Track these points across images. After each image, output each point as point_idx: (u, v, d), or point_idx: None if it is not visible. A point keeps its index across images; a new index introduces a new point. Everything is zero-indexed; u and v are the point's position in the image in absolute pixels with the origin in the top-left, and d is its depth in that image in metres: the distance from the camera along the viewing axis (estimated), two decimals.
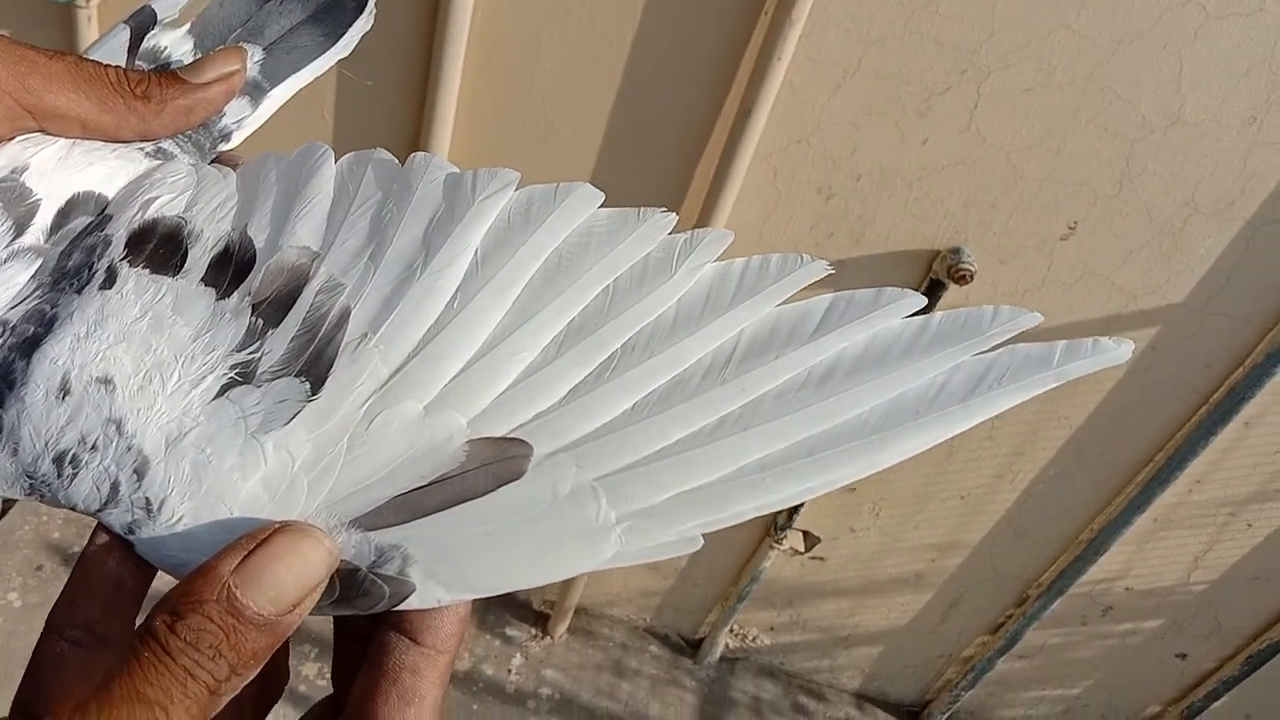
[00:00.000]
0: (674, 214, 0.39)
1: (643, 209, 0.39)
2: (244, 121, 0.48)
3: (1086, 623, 1.99)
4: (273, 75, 0.48)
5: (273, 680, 0.39)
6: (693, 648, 2.23)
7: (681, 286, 0.38)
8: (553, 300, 0.37)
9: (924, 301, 0.38)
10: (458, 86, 1.37)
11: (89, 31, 1.44)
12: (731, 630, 2.17)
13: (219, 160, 0.46)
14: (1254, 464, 1.64)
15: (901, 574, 1.97)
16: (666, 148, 1.41)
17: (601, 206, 0.39)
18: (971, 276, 1.38)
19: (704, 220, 1.42)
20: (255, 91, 0.47)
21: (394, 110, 1.45)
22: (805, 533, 1.91)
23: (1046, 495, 1.75)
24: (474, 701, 2.01)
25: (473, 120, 1.43)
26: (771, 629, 2.16)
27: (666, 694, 2.15)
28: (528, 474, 0.35)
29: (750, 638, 2.19)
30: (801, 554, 1.94)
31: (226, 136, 0.47)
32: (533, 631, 2.16)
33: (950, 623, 2.05)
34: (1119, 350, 0.36)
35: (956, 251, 1.40)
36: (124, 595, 0.36)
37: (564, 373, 0.36)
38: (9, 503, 0.38)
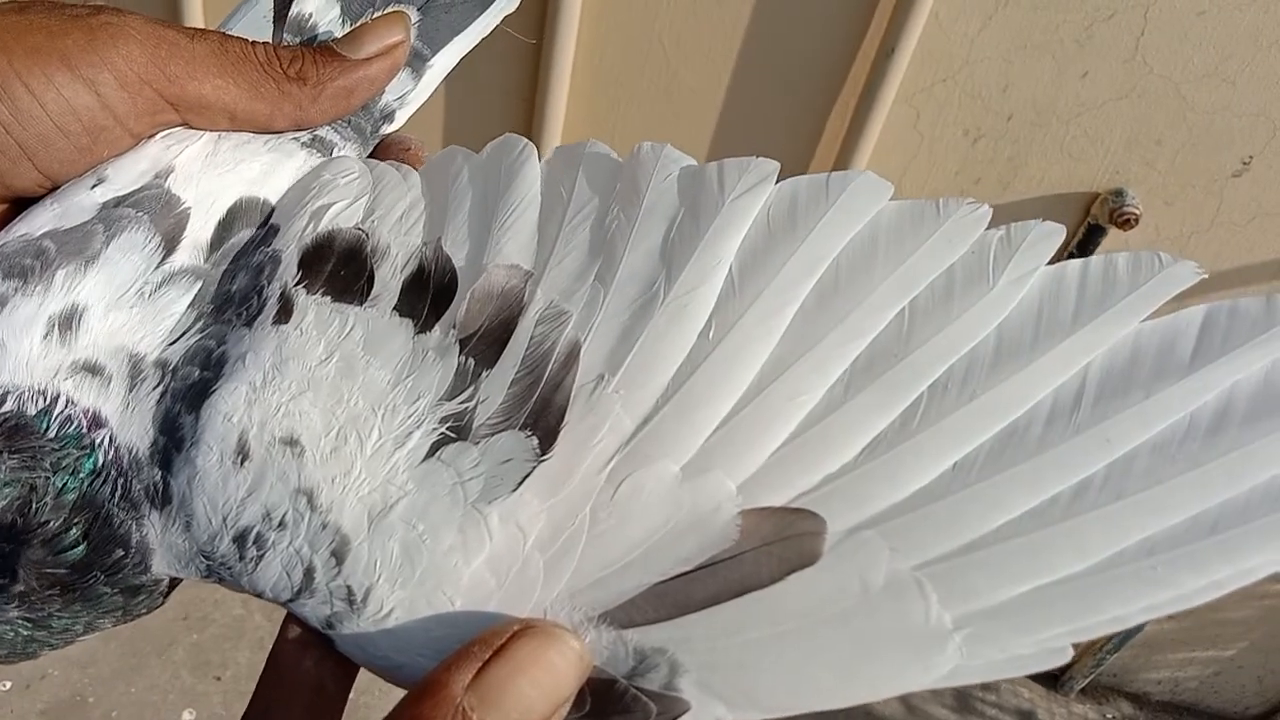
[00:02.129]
0: (986, 206, 0.30)
1: (944, 200, 0.30)
2: (407, 98, 0.41)
3: None
4: (433, 40, 0.41)
5: None
6: None
7: (1005, 302, 0.29)
8: (834, 327, 0.29)
9: None
10: (575, 36, 1.31)
11: (192, 3, 1.39)
12: None
13: (384, 146, 0.40)
14: None
15: None
16: (799, 95, 1.33)
17: (893, 199, 0.31)
18: (1136, 220, 1.28)
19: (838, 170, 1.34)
20: (416, 61, 0.40)
21: (507, 63, 1.38)
22: None
23: None
24: None
25: (590, 72, 1.36)
26: None
27: None
28: (824, 557, 0.27)
29: None
30: None
31: (389, 117, 0.41)
32: None
33: None
34: None
35: (1119, 194, 1.30)
36: (325, 702, 0.30)
37: (857, 421, 0.28)
38: (175, 582, 0.31)
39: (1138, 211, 1.28)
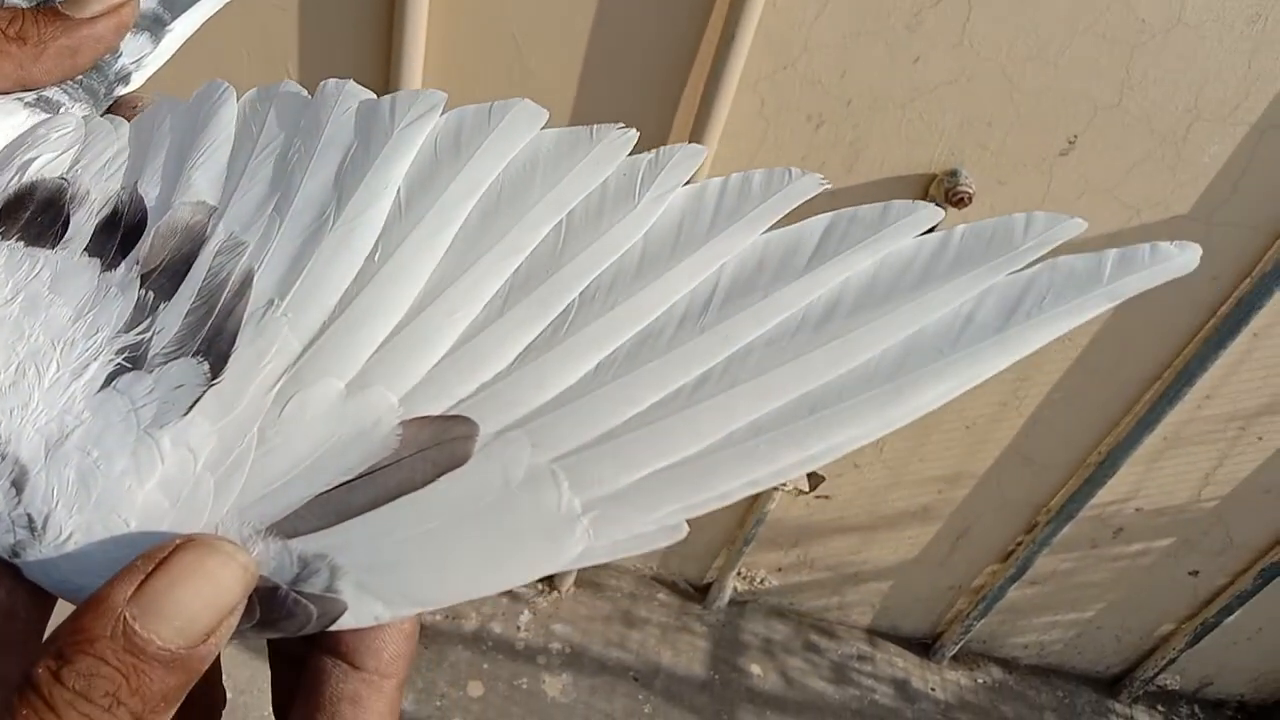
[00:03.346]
0: (634, 130, 0.32)
1: (597, 126, 0.32)
2: (144, 61, 0.41)
3: (1097, 545, 1.97)
4: (173, 4, 0.41)
5: (205, 710, 0.34)
6: (701, 593, 2.21)
7: (648, 217, 0.31)
8: (493, 245, 0.31)
9: (941, 215, 0.31)
10: (424, 31, 1.31)
11: None
12: (739, 573, 2.15)
13: (117, 107, 0.40)
14: (1264, 376, 1.61)
15: (908, 507, 1.94)
16: (647, 82, 1.36)
17: (547, 127, 0.33)
18: (970, 199, 1.34)
19: None
20: (155, 25, 0.41)
21: (361, 54, 1.38)
22: (809, 471, 1.88)
23: (1053, 420, 1.72)
24: (484, 660, 1.99)
25: (443, 67, 1.37)
26: (779, 570, 2.14)
27: (677, 640, 2.13)
28: (474, 458, 0.29)
29: (758, 580, 2.17)
30: (806, 493, 1.91)
31: (125, 79, 0.41)
32: (539, 587, 2.14)
33: (959, 553, 2.03)
34: (1184, 256, 0.29)
35: (953, 174, 1.35)
36: (17, 629, 0.30)
37: (511, 333, 0.30)
38: None
39: (971, 190, 1.34)
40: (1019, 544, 1.97)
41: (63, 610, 0.30)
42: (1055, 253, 0.30)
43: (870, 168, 1.40)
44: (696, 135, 1.35)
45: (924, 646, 2.26)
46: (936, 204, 1.32)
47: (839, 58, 1.30)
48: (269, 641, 0.34)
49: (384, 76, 1.36)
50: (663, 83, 1.35)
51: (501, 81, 1.38)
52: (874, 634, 2.27)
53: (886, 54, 1.28)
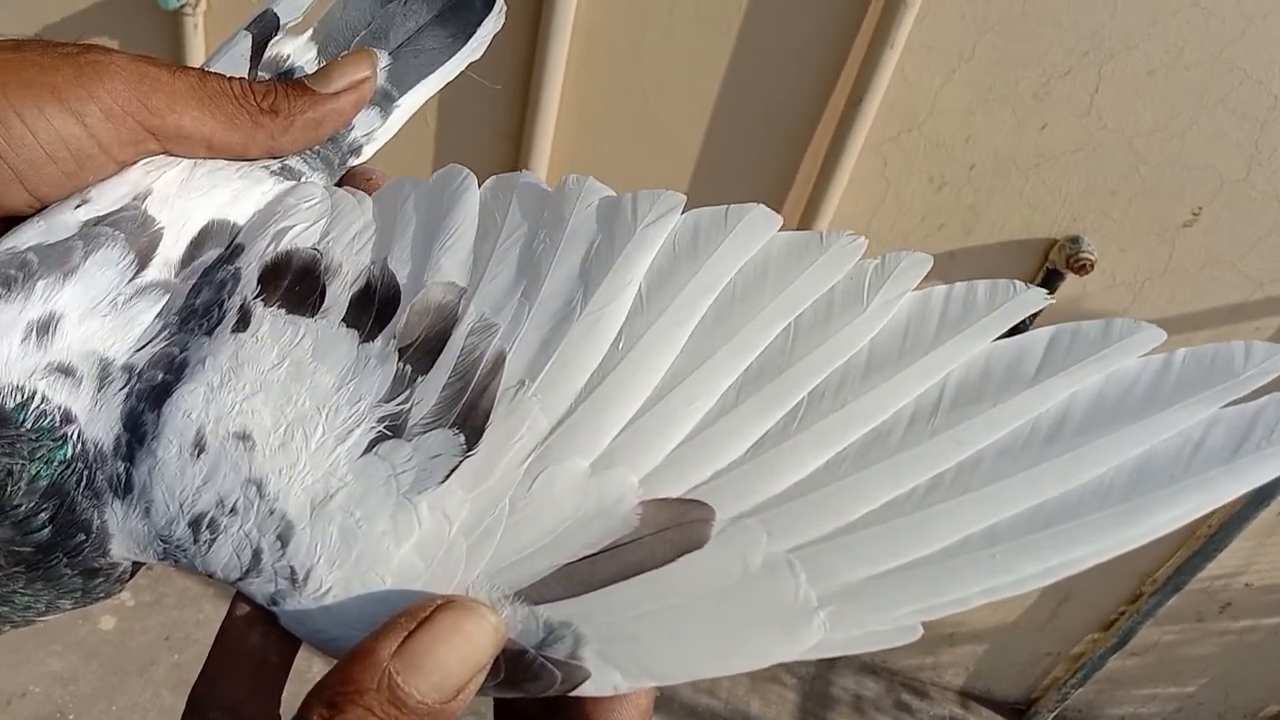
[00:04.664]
0: (863, 238, 0.34)
1: (827, 232, 0.34)
2: (374, 134, 0.45)
3: (1203, 619, 1.93)
4: (401, 82, 0.45)
5: None
6: None
7: (875, 322, 0.33)
8: (728, 341, 0.33)
9: (1164, 337, 0.32)
10: (561, 79, 1.36)
11: (195, 40, 1.45)
12: None
13: (350, 177, 0.44)
14: None
15: None
16: (772, 140, 1.39)
17: (781, 230, 0.35)
18: (1092, 266, 1.34)
19: (810, 214, 1.40)
20: (384, 101, 0.44)
21: (497, 106, 1.44)
22: None
23: None
24: None
25: (576, 114, 1.42)
26: None
27: (767, 691, 2.13)
28: (711, 541, 0.31)
29: None
30: None
31: (356, 151, 0.44)
32: None
33: (1060, 619, 2.00)
34: None
35: (1075, 240, 1.36)
36: (269, 672, 0.33)
37: (745, 424, 0.32)
38: (138, 565, 0.35)
39: (1093, 257, 1.34)
40: (1122, 613, 1.93)
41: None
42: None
43: (990, 230, 1.41)
44: (819, 192, 1.38)
45: (1018, 712, 2.22)
46: (1058, 269, 1.33)
47: (965, 123, 1.32)
48: (496, 702, 0.37)
49: (519, 122, 1.41)
50: (787, 141, 1.38)
51: (629, 133, 1.43)
52: (967, 696, 2.24)
53: (1013, 120, 1.30)
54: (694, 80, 1.36)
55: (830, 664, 2.20)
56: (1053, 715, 2.17)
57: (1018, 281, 0.33)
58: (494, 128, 1.46)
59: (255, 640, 0.33)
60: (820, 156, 1.37)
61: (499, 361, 0.33)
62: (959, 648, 2.12)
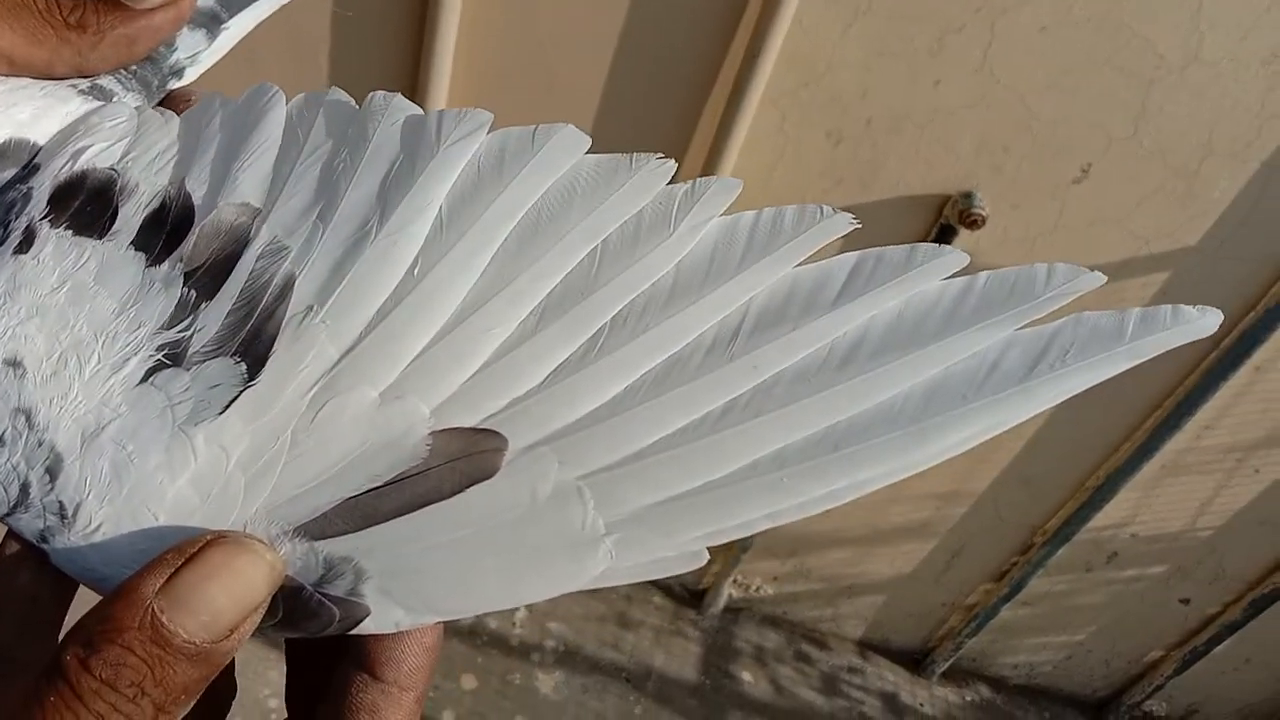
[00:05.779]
0: (672, 161, 0.33)
1: (636, 155, 0.33)
2: (199, 56, 0.42)
3: (1091, 569, 1.99)
4: (231, 4, 0.42)
5: (216, 700, 0.34)
6: (696, 598, 2.23)
7: (681, 247, 0.32)
8: (530, 266, 0.32)
9: (966, 260, 0.31)
10: (455, 30, 1.33)
11: None
12: (735, 580, 2.17)
13: (169, 100, 0.41)
14: (1264, 409, 1.63)
15: (906, 523, 1.96)
16: (670, 94, 1.38)
17: (589, 153, 0.33)
18: (983, 221, 1.36)
19: (709, 169, 1.39)
20: (211, 22, 0.41)
21: (390, 56, 1.41)
22: None
23: (1052, 442, 1.74)
24: (478, 654, 2.01)
25: (471, 68, 1.39)
26: (775, 579, 2.16)
27: (671, 644, 2.15)
28: (501, 471, 0.30)
29: (754, 588, 2.19)
30: None
31: (178, 73, 0.41)
32: None
33: (954, 571, 2.05)
34: (1205, 320, 0.30)
35: (968, 196, 1.37)
36: (40, 613, 0.31)
37: (543, 352, 0.31)
38: None
39: (984, 213, 1.36)
40: (1014, 564, 1.99)
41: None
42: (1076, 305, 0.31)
43: (886, 187, 1.42)
44: (717, 147, 1.37)
45: (915, 661, 2.28)
46: (951, 225, 1.35)
47: (861, 77, 1.32)
48: (287, 640, 0.35)
49: (413, 74, 1.39)
50: (686, 93, 1.37)
51: (526, 85, 1.40)
52: (865, 647, 2.29)
53: (908, 75, 1.31)
54: (593, 31, 1.34)
55: (733, 616, 2.23)
56: (948, 664, 2.23)
57: (825, 206, 0.32)
58: (387, 76, 1.43)
59: (25, 580, 0.31)
60: (719, 110, 1.36)
61: (288, 285, 0.31)
62: (858, 599, 2.16)
